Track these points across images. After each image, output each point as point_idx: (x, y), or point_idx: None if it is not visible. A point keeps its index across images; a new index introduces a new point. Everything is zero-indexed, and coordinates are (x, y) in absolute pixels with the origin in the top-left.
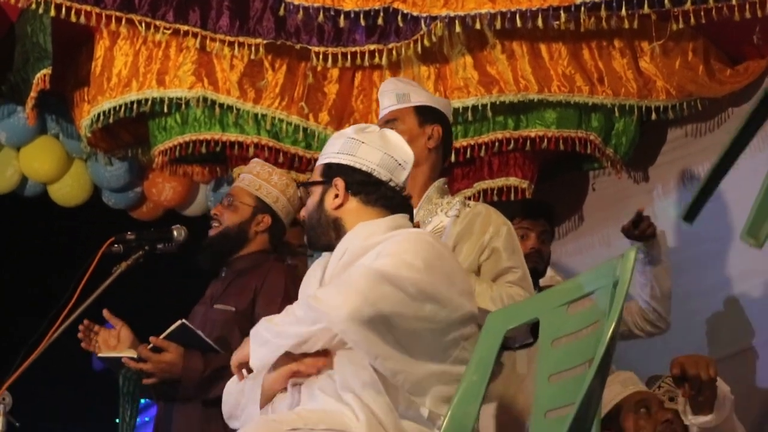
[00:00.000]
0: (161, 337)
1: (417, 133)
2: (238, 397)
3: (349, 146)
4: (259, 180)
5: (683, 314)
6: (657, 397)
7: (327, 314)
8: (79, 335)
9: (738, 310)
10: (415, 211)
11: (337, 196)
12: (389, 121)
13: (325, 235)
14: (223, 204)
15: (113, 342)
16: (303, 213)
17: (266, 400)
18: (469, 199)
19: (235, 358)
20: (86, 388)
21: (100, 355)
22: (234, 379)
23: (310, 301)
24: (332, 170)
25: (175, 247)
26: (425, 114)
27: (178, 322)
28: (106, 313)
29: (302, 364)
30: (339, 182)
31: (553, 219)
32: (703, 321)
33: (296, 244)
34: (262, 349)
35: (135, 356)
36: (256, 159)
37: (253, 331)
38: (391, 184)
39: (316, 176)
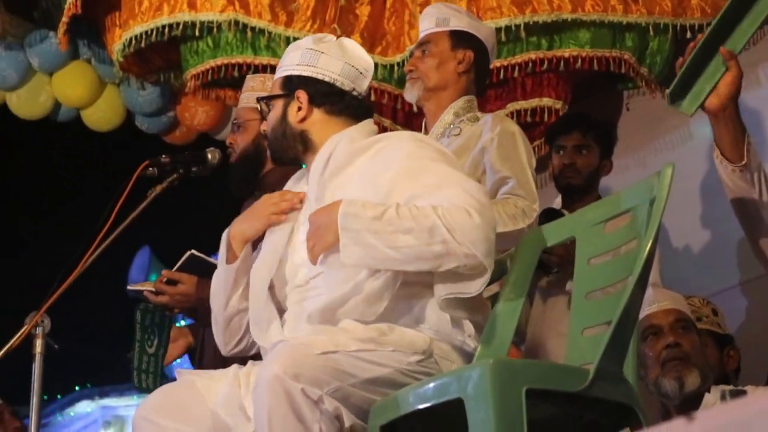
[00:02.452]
0: (174, 269)
1: (447, 57)
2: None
3: (308, 57)
4: (256, 92)
5: (717, 236)
6: (669, 320)
7: (463, 243)
8: None
9: None
10: (429, 134)
11: (300, 108)
12: (423, 44)
13: (291, 148)
14: (232, 131)
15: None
16: (264, 127)
17: None
18: None
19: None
20: (122, 312)
21: (129, 287)
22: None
23: (435, 219)
24: (293, 83)
25: (209, 170)
26: (459, 38)
27: (188, 253)
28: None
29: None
30: (301, 94)
31: (593, 128)
32: (735, 243)
33: None
34: (357, 249)
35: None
36: (249, 75)
37: (343, 219)
38: (354, 93)
39: (276, 89)
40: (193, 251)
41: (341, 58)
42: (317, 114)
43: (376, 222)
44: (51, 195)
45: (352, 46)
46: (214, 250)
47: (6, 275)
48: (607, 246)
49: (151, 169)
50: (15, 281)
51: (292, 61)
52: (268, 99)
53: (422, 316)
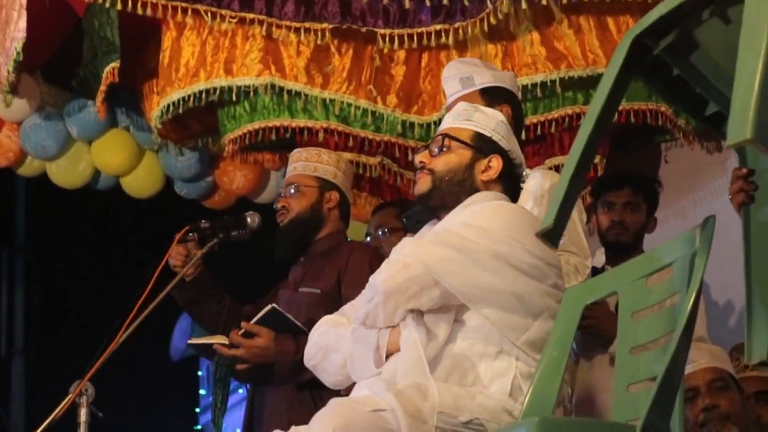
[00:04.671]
0: (252, 322)
1: None
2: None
3: (504, 130)
4: (312, 162)
5: None
6: (705, 380)
7: (375, 288)
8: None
9: None
10: None
11: (486, 170)
12: None
13: (456, 196)
14: (285, 195)
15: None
16: (426, 160)
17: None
18: None
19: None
20: (165, 378)
21: (190, 341)
22: (329, 327)
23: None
24: (487, 144)
25: (249, 234)
26: (492, 96)
27: (269, 307)
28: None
29: None
30: (497, 161)
31: (644, 186)
32: None
33: (389, 224)
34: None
35: (227, 342)
36: (297, 149)
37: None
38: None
39: (465, 137)
40: (274, 305)
41: (518, 146)
42: (496, 184)
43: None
44: (91, 263)
45: None
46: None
47: (47, 344)
48: (650, 300)
49: (191, 234)
50: (57, 349)
51: (487, 123)
52: (456, 140)
53: (482, 378)
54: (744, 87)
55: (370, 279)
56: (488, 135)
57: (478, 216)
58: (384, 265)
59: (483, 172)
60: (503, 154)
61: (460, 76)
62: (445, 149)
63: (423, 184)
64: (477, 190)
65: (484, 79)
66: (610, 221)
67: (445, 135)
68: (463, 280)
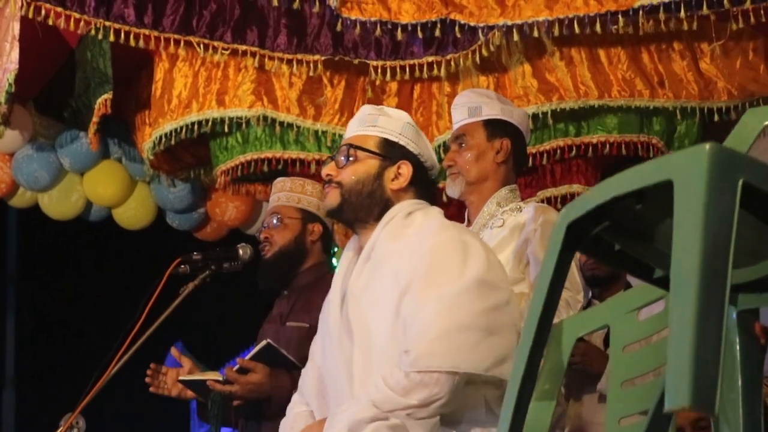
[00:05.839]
0: (247, 357)
1: (485, 148)
2: None
3: (411, 133)
4: (295, 194)
5: None
6: (690, 419)
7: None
8: (147, 380)
9: None
10: (472, 226)
11: (396, 178)
12: (458, 137)
13: (368, 209)
14: (269, 226)
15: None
16: (333, 173)
17: None
18: None
19: None
20: (156, 410)
21: (182, 378)
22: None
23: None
24: (395, 150)
25: (241, 266)
26: (494, 128)
27: (264, 342)
28: (174, 351)
29: None
30: (407, 168)
31: None
32: None
33: None
34: None
35: (219, 379)
36: (280, 178)
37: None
38: (436, 187)
39: (371, 145)
40: (270, 341)
41: (431, 147)
42: (408, 192)
43: None
44: (82, 294)
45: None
46: (246, 344)
47: (38, 374)
48: (642, 333)
49: (183, 266)
50: (48, 380)
51: (393, 128)
52: (362, 150)
53: (458, 410)
54: (677, 347)
55: (398, 397)
56: (395, 140)
57: (433, 263)
58: (412, 386)
59: (393, 180)
60: (413, 158)
61: (469, 104)
62: (351, 159)
63: (332, 198)
64: (389, 200)
65: (492, 111)
66: (585, 257)
67: (349, 145)
68: (473, 354)
